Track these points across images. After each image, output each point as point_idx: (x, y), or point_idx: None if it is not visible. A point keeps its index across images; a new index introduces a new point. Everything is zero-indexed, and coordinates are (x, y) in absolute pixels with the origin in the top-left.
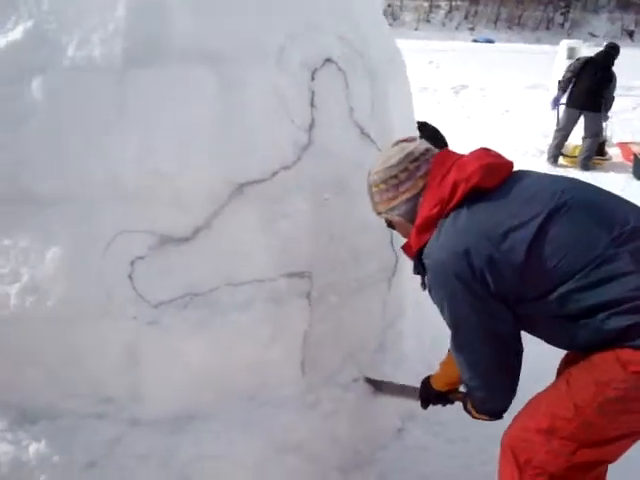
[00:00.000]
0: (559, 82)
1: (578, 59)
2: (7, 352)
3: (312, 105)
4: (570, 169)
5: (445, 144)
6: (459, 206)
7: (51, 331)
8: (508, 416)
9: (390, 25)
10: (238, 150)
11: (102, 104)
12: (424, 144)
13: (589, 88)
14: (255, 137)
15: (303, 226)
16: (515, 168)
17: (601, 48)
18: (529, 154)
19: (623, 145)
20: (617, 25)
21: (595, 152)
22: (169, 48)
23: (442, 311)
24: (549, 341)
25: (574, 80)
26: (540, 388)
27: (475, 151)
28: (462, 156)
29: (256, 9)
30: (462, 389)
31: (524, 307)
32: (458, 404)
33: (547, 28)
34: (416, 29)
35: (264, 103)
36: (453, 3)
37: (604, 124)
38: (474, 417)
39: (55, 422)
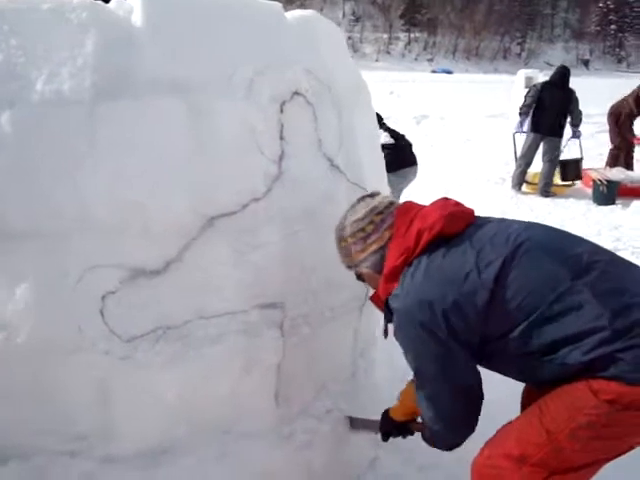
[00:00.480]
0: (520, 108)
1: (534, 85)
2: None
3: (281, 138)
4: (532, 196)
5: (414, 162)
6: (423, 253)
7: (22, 368)
8: (481, 440)
9: (351, 57)
10: (209, 182)
11: (72, 137)
12: (388, 198)
13: (552, 111)
14: (225, 169)
15: (274, 257)
16: (478, 199)
17: None
18: (491, 182)
19: (583, 172)
20: (572, 54)
21: (573, 173)
22: (138, 80)
23: (406, 356)
24: (518, 379)
25: (535, 105)
26: (506, 417)
27: (436, 201)
28: (424, 207)
29: (225, 43)
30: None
31: (490, 347)
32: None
33: (504, 58)
34: (376, 60)
35: (234, 135)
36: (412, 35)
37: (577, 141)
38: (432, 446)
39: (26, 461)
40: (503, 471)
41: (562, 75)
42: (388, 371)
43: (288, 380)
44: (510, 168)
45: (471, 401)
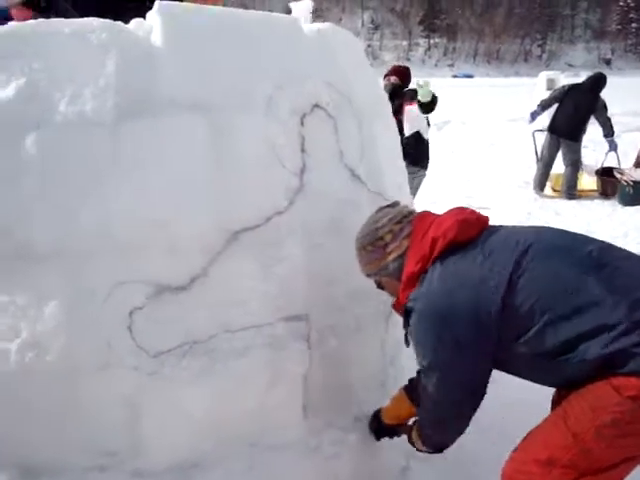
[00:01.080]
0: (540, 101)
1: (563, 86)
2: (8, 407)
3: (303, 150)
4: (557, 198)
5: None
6: (438, 259)
7: (52, 385)
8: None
9: (370, 65)
10: (231, 197)
11: (95, 158)
12: (406, 208)
13: (574, 115)
14: (248, 183)
15: (299, 269)
16: (503, 203)
17: (579, 78)
18: (515, 185)
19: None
20: (594, 54)
21: (612, 190)
22: (159, 99)
23: (420, 354)
24: (537, 382)
25: (557, 106)
26: (536, 420)
27: (451, 209)
28: (440, 215)
29: (244, 59)
30: (410, 422)
31: (506, 350)
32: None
33: (525, 60)
34: None
35: (255, 150)
36: (431, 41)
37: (614, 154)
38: (418, 450)
39: (57, 477)
40: (533, 476)
41: (595, 80)
42: None
43: (315, 392)
44: (534, 171)
45: (473, 398)
